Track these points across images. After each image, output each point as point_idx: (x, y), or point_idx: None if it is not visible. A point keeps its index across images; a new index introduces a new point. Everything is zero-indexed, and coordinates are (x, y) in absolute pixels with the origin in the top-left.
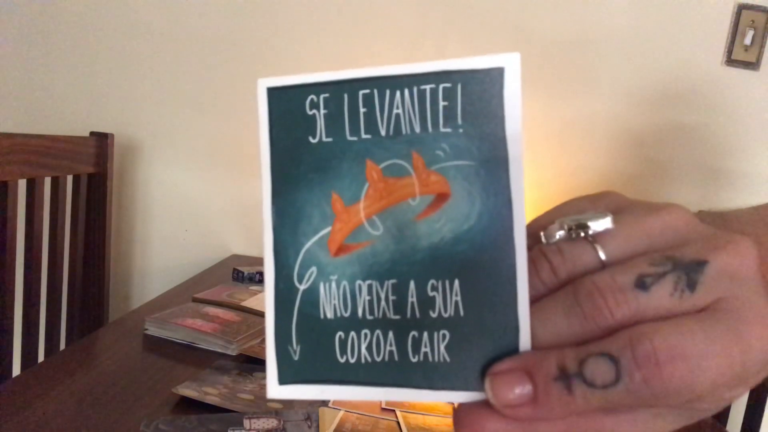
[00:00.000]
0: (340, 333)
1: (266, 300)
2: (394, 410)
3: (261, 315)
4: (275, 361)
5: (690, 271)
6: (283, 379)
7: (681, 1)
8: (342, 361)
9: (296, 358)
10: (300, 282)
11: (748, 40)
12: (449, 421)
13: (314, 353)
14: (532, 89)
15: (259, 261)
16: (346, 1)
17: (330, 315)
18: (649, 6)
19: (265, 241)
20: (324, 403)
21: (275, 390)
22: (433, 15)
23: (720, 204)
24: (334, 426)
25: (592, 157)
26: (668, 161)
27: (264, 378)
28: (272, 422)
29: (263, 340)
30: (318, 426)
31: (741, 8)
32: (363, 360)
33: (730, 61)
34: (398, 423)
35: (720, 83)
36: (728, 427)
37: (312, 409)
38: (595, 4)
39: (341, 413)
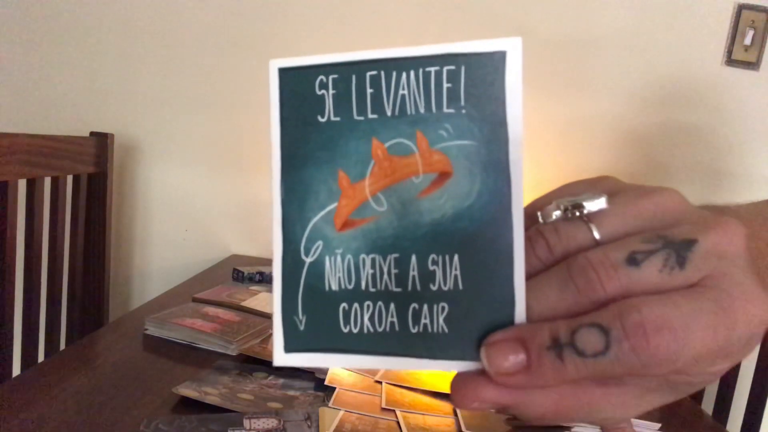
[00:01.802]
0: (344, 304)
1: (274, 272)
2: (394, 410)
3: (261, 315)
4: (281, 330)
5: (680, 249)
6: (289, 348)
7: (681, 1)
8: (345, 331)
9: (302, 327)
10: (306, 255)
11: (748, 40)
12: (449, 421)
13: (319, 323)
14: (532, 89)
15: (259, 261)
16: (347, 0)
17: (335, 287)
18: (649, 6)
19: (273, 215)
20: (324, 403)
21: (281, 357)
22: (433, 15)
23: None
24: (334, 426)
25: (592, 157)
26: (668, 161)
27: (264, 378)
28: (272, 422)
29: (263, 340)
30: (318, 426)
31: (741, 8)
32: (365, 330)
33: (730, 61)
34: (398, 423)
35: (720, 83)
36: (728, 427)
37: (312, 409)
38: (595, 4)
39: (341, 413)
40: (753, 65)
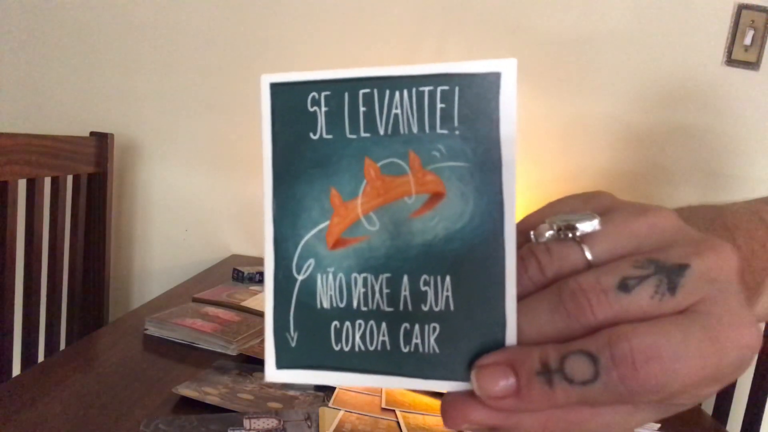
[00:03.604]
0: (335, 322)
1: (266, 289)
2: (394, 410)
3: (261, 315)
4: (273, 346)
5: (671, 275)
6: (281, 364)
7: (681, 1)
8: (337, 348)
9: (293, 344)
10: (298, 273)
11: (748, 40)
12: None
13: (310, 341)
14: (532, 89)
15: (260, 261)
16: (346, 1)
17: (326, 305)
18: (649, 6)
19: (265, 232)
20: (324, 403)
21: (272, 374)
22: (433, 15)
23: None
24: (334, 426)
25: (592, 157)
26: (668, 161)
27: (264, 378)
28: (272, 422)
29: (263, 340)
30: (318, 426)
31: (741, 8)
32: (357, 348)
33: (730, 61)
34: (398, 423)
35: (720, 83)
36: (728, 427)
37: (312, 409)
38: (595, 4)
39: (341, 413)
40: (753, 65)
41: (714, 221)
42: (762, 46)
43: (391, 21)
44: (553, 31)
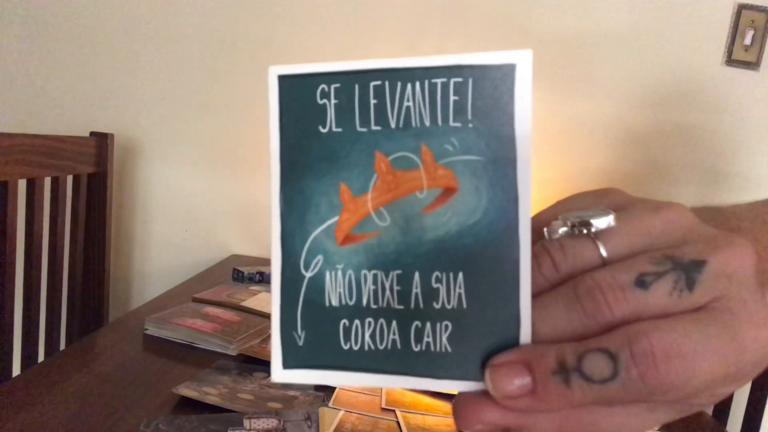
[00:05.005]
0: (344, 321)
1: (272, 286)
2: (394, 410)
3: (261, 315)
4: (280, 346)
5: (689, 271)
6: (288, 364)
7: (681, 1)
8: (346, 348)
9: (301, 343)
10: (306, 270)
11: (748, 40)
12: (449, 421)
13: (318, 340)
14: (532, 89)
15: (259, 261)
16: (347, 1)
17: (335, 303)
18: (649, 6)
19: (272, 228)
20: (324, 403)
21: (279, 374)
22: (433, 14)
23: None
24: (334, 426)
25: (593, 157)
26: (668, 161)
27: (264, 378)
28: (272, 422)
29: (263, 340)
30: (318, 426)
31: (741, 8)
32: (366, 347)
33: (730, 61)
34: (398, 423)
35: (720, 83)
36: (728, 427)
37: (312, 409)
38: (595, 4)
39: (341, 413)
40: (753, 65)
41: (716, 224)
42: (762, 46)
43: (391, 22)
44: (554, 30)
